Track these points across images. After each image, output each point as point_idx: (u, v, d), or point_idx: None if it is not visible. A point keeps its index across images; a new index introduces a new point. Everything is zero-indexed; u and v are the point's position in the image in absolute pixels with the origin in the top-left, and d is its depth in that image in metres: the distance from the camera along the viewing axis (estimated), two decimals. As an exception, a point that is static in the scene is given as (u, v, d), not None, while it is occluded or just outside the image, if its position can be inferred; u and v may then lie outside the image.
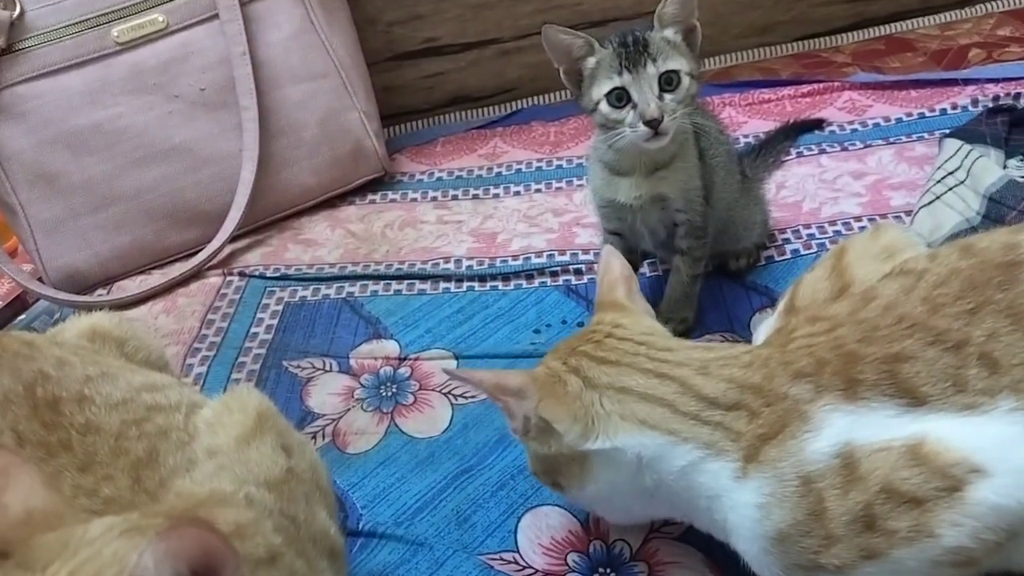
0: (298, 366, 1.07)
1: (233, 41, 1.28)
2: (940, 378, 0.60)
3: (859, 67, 1.51)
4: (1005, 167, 1.13)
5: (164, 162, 1.28)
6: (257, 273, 1.25)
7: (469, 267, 1.20)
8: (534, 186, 1.36)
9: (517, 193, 1.36)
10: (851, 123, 1.35)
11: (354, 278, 1.21)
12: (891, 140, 1.30)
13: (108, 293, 1.28)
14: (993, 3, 1.62)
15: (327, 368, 1.06)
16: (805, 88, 1.45)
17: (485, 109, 1.61)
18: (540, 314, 1.10)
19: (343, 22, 1.43)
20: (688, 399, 0.65)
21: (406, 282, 1.19)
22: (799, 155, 1.29)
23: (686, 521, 0.73)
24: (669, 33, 0.90)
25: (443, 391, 1.00)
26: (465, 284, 1.17)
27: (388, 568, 0.81)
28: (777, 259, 1.12)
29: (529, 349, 1.04)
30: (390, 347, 1.08)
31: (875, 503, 0.58)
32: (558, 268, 1.16)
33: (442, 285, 1.18)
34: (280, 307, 1.18)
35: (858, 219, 1.15)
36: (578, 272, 1.15)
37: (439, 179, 1.42)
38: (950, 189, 1.08)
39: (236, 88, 1.28)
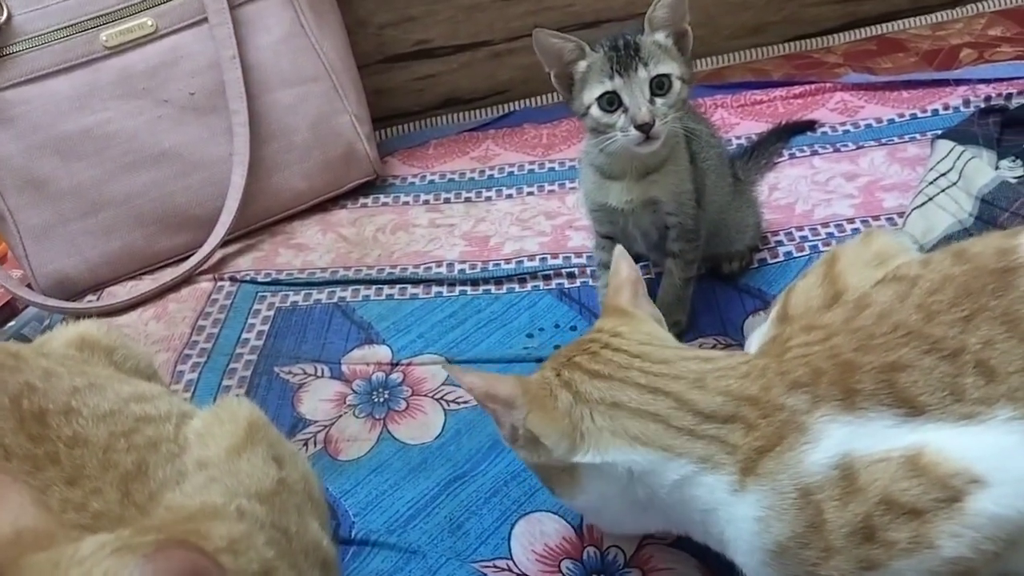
0: (290, 372, 1.06)
1: (222, 45, 1.27)
2: (937, 387, 0.59)
3: (851, 68, 1.51)
4: (997, 168, 1.13)
5: (154, 167, 1.27)
6: (248, 278, 1.24)
7: (461, 271, 1.19)
8: (526, 189, 1.36)
9: (509, 196, 1.35)
10: (843, 124, 1.35)
11: (346, 283, 1.21)
12: (883, 141, 1.30)
13: (98, 299, 1.27)
14: (984, 3, 1.62)
15: (319, 374, 1.06)
16: (797, 89, 1.44)
17: (477, 111, 1.60)
18: (533, 318, 1.10)
19: (333, 25, 1.43)
20: (683, 414, 0.64)
21: (398, 286, 1.19)
22: (791, 157, 1.29)
23: (681, 533, 0.72)
24: (660, 37, 0.90)
25: (436, 397, 1.00)
26: (457, 288, 1.17)
27: (381, 577, 0.81)
28: (770, 261, 1.11)
29: (522, 353, 1.04)
30: (382, 352, 1.08)
31: (874, 514, 0.57)
32: (551, 271, 1.16)
33: (434, 289, 1.17)
34: (271, 312, 1.17)
35: (851, 221, 1.15)
36: (571, 275, 1.15)
37: (431, 182, 1.42)
38: (942, 191, 1.08)
39: (226, 92, 1.28)
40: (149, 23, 1.26)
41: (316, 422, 0.99)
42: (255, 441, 0.67)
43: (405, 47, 1.56)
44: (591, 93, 0.89)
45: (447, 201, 1.36)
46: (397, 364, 1.05)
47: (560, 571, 0.79)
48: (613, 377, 0.68)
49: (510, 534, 0.83)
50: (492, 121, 1.56)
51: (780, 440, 0.61)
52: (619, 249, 0.81)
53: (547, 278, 1.16)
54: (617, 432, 0.65)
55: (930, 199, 1.08)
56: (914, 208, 1.08)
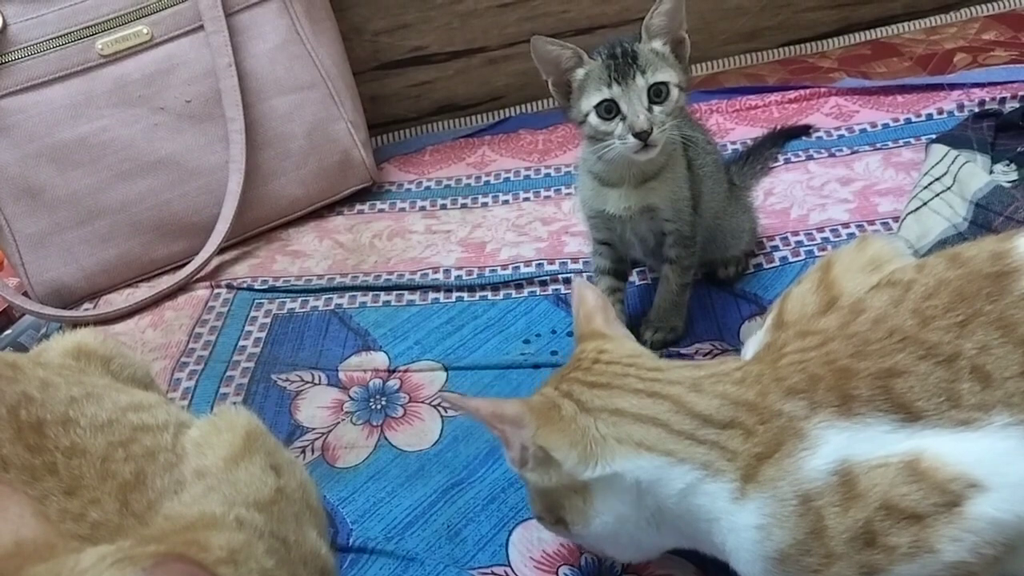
0: (287, 379, 1.06)
1: (218, 53, 1.27)
2: (934, 393, 0.59)
3: (845, 72, 1.52)
4: (991, 172, 1.13)
5: (150, 175, 1.27)
6: (245, 285, 1.24)
7: (458, 277, 1.19)
8: (522, 195, 1.36)
9: (506, 202, 1.35)
10: (838, 129, 1.36)
11: (342, 289, 1.21)
12: (878, 146, 1.30)
13: (95, 307, 1.27)
14: (978, 7, 1.62)
15: (316, 381, 1.06)
16: (792, 94, 1.45)
17: (473, 117, 1.60)
18: (530, 324, 1.10)
19: (329, 32, 1.43)
20: (682, 417, 0.65)
21: (395, 293, 1.19)
22: (787, 162, 1.30)
23: (694, 547, 0.71)
24: (657, 44, 0.90)
25: (433, 403, 1.00)
26: (454, 294, 1.17)
27: (379, 584, 0.81)
28: (766, 267, 1.12)
29: (519, 359, 1.04)
30: (379, 359, 1.08)
31: (875, 520, 0.57)
32: (547, 277, 1.16)
33: (431, 296, 1.17)
34: (268, 320, 1.17)
35: (846, 225, 1.15)
36: (567, 281, 1.15)
37: (427, 188, 1.42)
38: (937, 195, 1.09)
39: (222, 100, 1.28)
40: (145, 31, 1.26)
41: (313, 429, 0.99)
42: (253, 450, 0.67)
43: (401, 54, 1.56)
44: (589, 101, 0.89)
45: (443, 207, 1.36)
46: (394, 371, 1.05)
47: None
48: (612, 385, 0.68)
49: (508, 541, 0.83)
50: (488, 127, 1.56)
51: (779, 447, 0.61)
52: (578, 280, 0.81)
53: (544, 284, 1.16)
54: (622, 439, 0.65)
55: (925, 204, 1.08)
56: (909, 213, 1.08)
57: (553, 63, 0.91)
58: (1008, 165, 1.15)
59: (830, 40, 1.62)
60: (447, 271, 1.21)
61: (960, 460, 0.57)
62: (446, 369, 1.05)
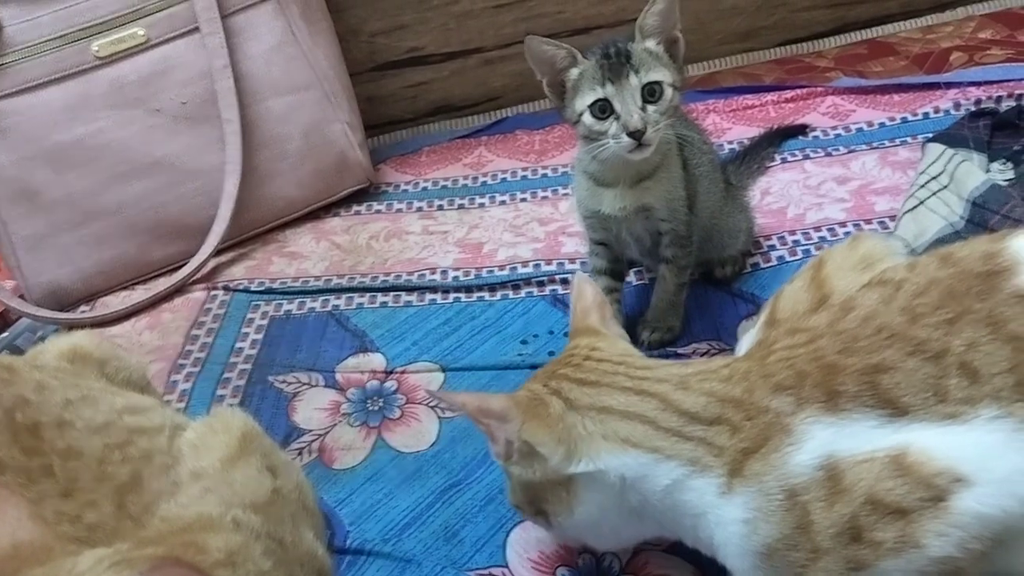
0: (284, 381, 1.06)
1: (214, 54, 1.27)
2: (921, 388, 0.59)
3: (842, 72, 1.52)
4: (988, 171, 1.13)
5: (147, 176, 1.27)
6: (242, 287, 1.24)
7: (455, 278, 1.19)
8: (519, 195, 1.36)
9: (503, 202, 1.35)
10: (834, 128, 1.36)
11: (340, 291, 1.21)
12: (874, 145, 1.30)
13: (91, 309, 1.27)
14: (974, 6, 1.63)
15: (313, 383, 1.06)
16: (788, 94, 1.45)
17: (469, 118, 1.60)
18: (527, 324, 1.10)
19: (325, 33, 1.43)
20: (669, 415, 0.65)
21: (392, 294, 1.19)
22: (783, 161, 1.30)
23: (674, 539, 0.72)
24: (651, 44, 0.90)
25: (430, 405, 1.00)
26: (451, 295, 1.17)
27: (376, 585, 0.81)
28: (763, 266, 1.12)
29: (516, 360, 1.04)
30: (376, 360, 1.08)
31: (860, 515, 0.58)
32: (544, 278, 1.16)
33: (428, 297, 1.17)
34: (265, 321, 1.17)
35: (843, 224, 1.15)
36: (564, 282, 1.15)
37: (424, 189, 1.42)
38: (934, 194, 1.09)
39: (218, 101, 1.28)
40: (140, 33, 1.26)
41: (310, 431, 0.99)
42: (249, 451, 0.67)
43: (397, 55, 1.56)
44: (583, 100, 0.89)
45: (440, 208, 1.36)
46: (391, 372, 1.05)
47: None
48: (600, 383, 0.68)
49: (505, 541, 0.83)
50: (485, 128, 1.56)
51: (765, 442, 0.61)
52: (579, 275, 0.82)
53: (541, 284, 1.16)
54: (608, 436, 0.66)
55: (921, 202, 1.08)
56: (905, 212, 1.08)
57: (547, 63, 0.91)
58: (1004, 163, 1.15)
59: (826, 39, 1.63)
60: (444, 272, 1.21)
61: (946, 455, 0.57)
62: (443, 370, 1.05)
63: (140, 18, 1.26)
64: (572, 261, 1.18)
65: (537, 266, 1.19)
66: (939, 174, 1.11)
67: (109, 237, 1.27)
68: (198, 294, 1.25)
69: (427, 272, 1.21)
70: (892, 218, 1.12)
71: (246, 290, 1.24)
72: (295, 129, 1.34)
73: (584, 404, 0.67)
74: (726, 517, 0.62)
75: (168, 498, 0.63)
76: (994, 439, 0.57)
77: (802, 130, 1.35)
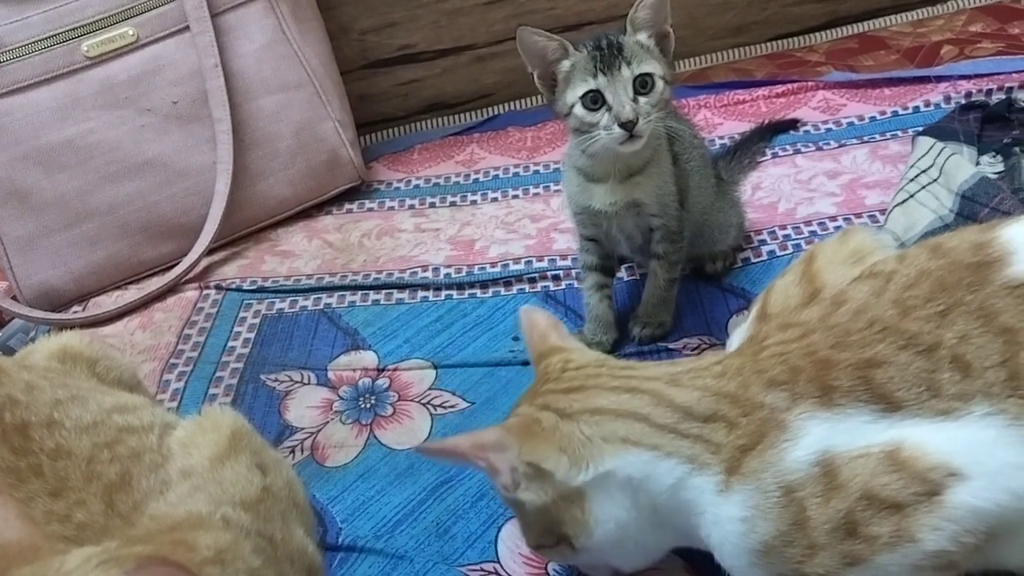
0: (276, 380, 1.06)
1: (205, 53, 1.27)
2: (914, 383, 0.60)
3: (833, 66, 1.52)
4: (978, 164, 1.13)
5: (138, 176, 1.27)
6: (234, 286, 1.24)
7: (447, 275, 1.19)
8: (511, 192, 1.36)
9: (495, 199, 1.35)
10: (825, 123, 1.36)
11: (332, 289, 1.21)
12: (865, 139, 1.30)
13: (84, 310, 1.26)
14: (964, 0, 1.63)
15: (305, 381, 1.06)
16: (780, 88, 1.45)
17: (461, 115, 1.60)
18: (518, 321, 1.09)
19: (316, 31, 1.43)
20: (663, 410, 0.65)
21: (384, 292, 1.19)
22: (774, 156, 1.30)
23: (691, 544, 0.70)
24: (642, 37, 0.90)
25: (422, 401, 1.00)
26: (443, 292, 1.17)
27: (368, 582, 0.81)
28: (754, 261, 1.12)
29: (508, 357, 1.04)
30: (368, 358, 1.08)
31: (856, 510, 0.58)
32: (536, 274, 1.16)
33: (420, 294, 1.17)
34: (257, 320, 1.17)
35: (833, 219, 1.15)
36: (556, 278, 1.15)
37: (416, 187, 1.42)
38: (923, 187, 1.09)
39: (209, 100, 1.28)
40: (130, 32, 1.26)
41: (303, 429, 0.99)
42: (238, 449, 0.67)
43: (388, 52, 1.56)
44: (575, 92, 0.89)
45: (432, 205, 1.36)
46: (383, 370, 1.05)
47: (547, 573, 0.79)
48: (586, 387, 0.68)
49: (497, 537, 0.83)
50: (476, 125, 1.56)
51: (761, 438, 0.61)
52: (524, 307, 0.82)
53: (532, 281, 1.16)
54: (607, 437, 0.65)
55: (911, 196, 1.08)
56: (895, 205, 1.08)
57: (539, 55, 0.91)
58: (994, 157, 1.15)
59: (817, 34, 1.63)
60: (436, 269, 1.21)
61: (940, 449, 0.57)
62: (435, 367, 1.05)
63: (130, 18, 1.26)
64: (564, 257, 1.18)
65: (529, 263, 1.19)
66: (929, 167, 1.11)
67: (101, 237, 1.27)
68: (190, 293, 1.24)
69: (419, 269, 1.21)
70: (882, 212, 1.12)
71: (238, 289, 1.24)
72: (286, 128, 1.33)
73: (575, 410, 0.67)
74: (724, 515, 0.62)
75: (157, 497, 0.62)
76: (987, 434, 0.58)
77: (793, 125, 1.35)
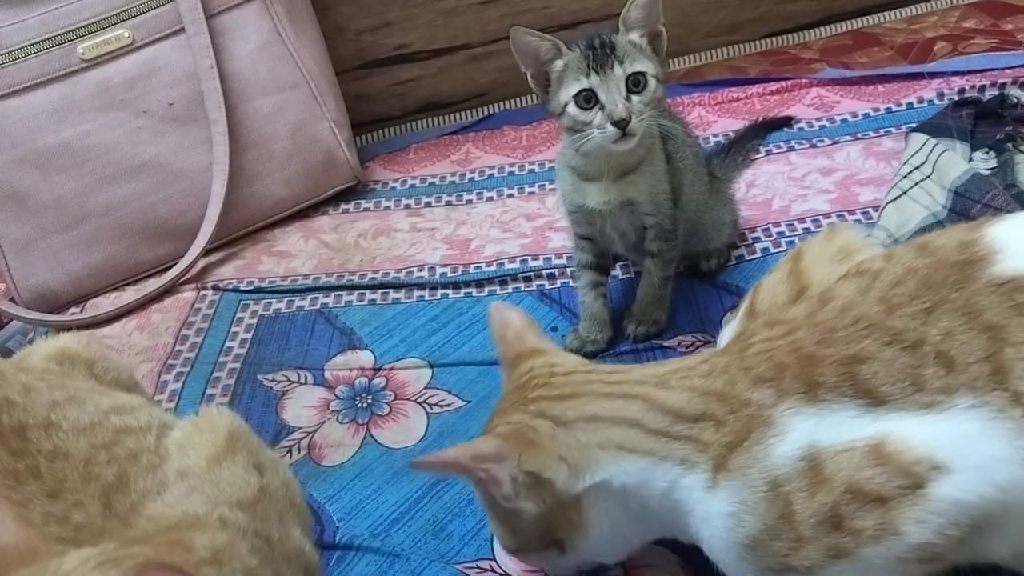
0: (273, 379, 1.07)
1: (200, 55, 1.28)
2: (898, 378, 0.60)
3: (826, 63, 1.53)
4: (971, 160, 1.14)
5: (134, 178, 1.28)
6: (231, 287, 1.25)
7: (443, 274, 1.20)
8: (507, 191, 1.37)
9: (490, 199, 1.36)
10: (819, 120, 1.36)
11: (328, 289, 1.21)
12: (859, 136, 1.31)
13: (81, 311, 1.27)
14: (958, -5, 1.63)
15: (302, 381, 1.06)
16: (774, 86, 1.45)
17: (456, 115, 1.61)
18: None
19: (311, 32, 1.43)
20: (655, 415, 0.65)
21: (380, 291, 1.19)
22: (768, 153, 1.30)
23: (675, 537, 0.71)
24: (635, 36, 0.91)
25: (418, 400, 1.01)
26: (439, 292, 1.17)
27: (365, 581, 0.82)
28: (748, 258, 1.12)
29: (503, 356, 1.04)
30: (365, 358, 1.08)
31: (841, 503, 0.58)
32: (531, 273, 1.17)
33: (416, 293, 1.18)
34: (254, 320, 1.18)
35: (827, 216, 1.16)
36: (551, 277, 1.16)
37: (412, 186, 1.42)
38: (916, 184, 1.09)
39: (205, 102, 1.28)
40: (126, 35, 1.26)
41: (300, 429, 1.00)
42: (235, 449, 0.67)
43: (384, 52, 1.57)
44: (568, 91, 0.90)
45: (428, 205, 1.37)
46: (380, 369, 1.06)
47: (542, 570, 0.80)
48: (579, 394, 0.68)
49: (493, 535, 0.83)
50: (472, 124, 1.56)
51: (748, 434, 0.62)
52: (495, 304, 0.81)
53: (528, 280, 1.16)
54: (604, 444, 0.66)
55: (904, 192, 1.09)
56: (888, 202, 1.09)
57: (532, 55, 0.92)
58: (987, 153, 1.16)
59: (811, 31, 1.63)
60: (432, 269, 1.21)
61: (924, 443, 0.58)
62: (431, 366, 1.05)
63: (125, 20, 1.27)
64: (559, 256, 1.18)
65: (524, 262, 1.19)
66: (922, 164, 1.11)
67: (98, 239, 1.28)
68: (187, 294, 1.25)
69: (415, 269, 1.22)
70: (876, 208, 1.12)
71: (235, 289, 1.24)
72: (282, 128, 1.34)
73: (571, 417, 0.67)
74: (712, 511, 0.63)
75: (155, 497, 0.63)
76: (971, 428, 0.58)
77: (787, 122, 1.36)
